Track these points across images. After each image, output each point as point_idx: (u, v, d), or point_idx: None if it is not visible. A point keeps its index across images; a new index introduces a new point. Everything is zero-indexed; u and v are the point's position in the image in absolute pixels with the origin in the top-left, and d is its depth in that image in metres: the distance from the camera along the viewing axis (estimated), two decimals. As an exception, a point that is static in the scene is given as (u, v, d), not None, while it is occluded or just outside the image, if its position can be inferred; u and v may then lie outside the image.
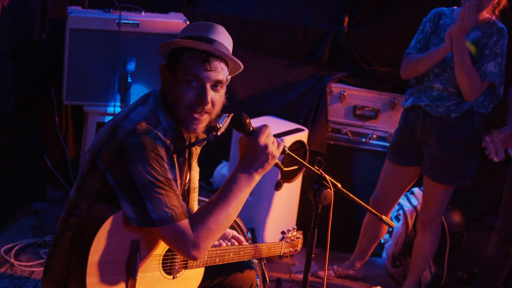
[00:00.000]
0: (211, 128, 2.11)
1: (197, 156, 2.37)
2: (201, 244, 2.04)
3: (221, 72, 2.12)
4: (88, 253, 1.98)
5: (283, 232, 2.61)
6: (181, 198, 2.08)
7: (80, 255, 2.02)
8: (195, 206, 2.35)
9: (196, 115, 2.11)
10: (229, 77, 2.22)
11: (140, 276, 2.09)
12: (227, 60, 2.14)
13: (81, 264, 2.00)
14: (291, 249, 2.63)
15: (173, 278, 2.22)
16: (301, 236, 2.66)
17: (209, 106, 2.11)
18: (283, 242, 2.58)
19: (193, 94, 2.09)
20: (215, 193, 2.14)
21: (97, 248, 2.00)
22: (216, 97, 2.13)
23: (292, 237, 2.62)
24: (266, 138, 2.11)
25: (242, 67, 2.20)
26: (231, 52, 2.18)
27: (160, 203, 2.01)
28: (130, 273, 2.06)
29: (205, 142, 2.18)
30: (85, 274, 1.99)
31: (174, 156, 2.14)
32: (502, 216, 3.71)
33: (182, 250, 2.05)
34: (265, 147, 2.11)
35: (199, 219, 2.06)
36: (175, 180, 2.14)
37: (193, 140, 2.28)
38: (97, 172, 2.09)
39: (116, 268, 2.05)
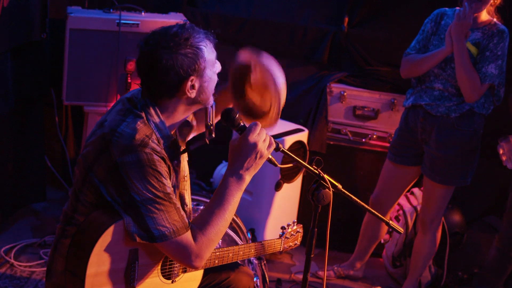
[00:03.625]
0: (205, 129, 2.17)
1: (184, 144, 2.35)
2: (203, 254, 2.07)
3: None
4: (86, 265, 1.98)
5: (282, 228, 2.61)
6: (181, 209, 2.07)
7: (78, 267, 2.01)
8: (186, 195, 2.32)
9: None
10: None
11: (138, 283, 2.10)
12: None
13: (79, 276, 1.99)
14: (290, 243, 2.63)
15: (172, 282, 2.21)
16: (301, 230, 2.66)
17: None
18: (283, 238, 2.58)
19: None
20: (211, 199, 2.14)
21: (95, 261, 1.99)
22: None
23: (292, 232, 2.62)
24: (257, 136, 2.10)
25: None
26: None
27: (160, 219, 2.01)
28: (129, 282, 2.06)
29: (208, 142, 2.20)
30: (83, 286, 1.98)
31: (170, 163, 2.13)
32: (506, 219, 3.69)
33: (185, 262, 2.07)
34: (254, 145, 2.10)
35: (199, 230, 2.07)
36: (174, 186, 2.15)
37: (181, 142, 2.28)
38: (91, 187, 2.07)
39: (114, 277, 2.04)
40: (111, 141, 2.01)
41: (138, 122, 2.05)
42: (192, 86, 2.09)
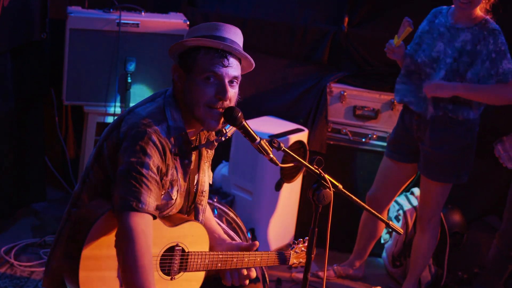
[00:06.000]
0: (217, 132, 2.18)
1: (209, 160, 2.36)
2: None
3: (237, 68, 2.15)
4: (82, 246, 1.98)
5: (293, 242, 2.54)
6: (154, 194, 2.03)
7: (74, 248, 2.01)
8: (201, 210, 2.33)
9: (215, 112, 2.12)
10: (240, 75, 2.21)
11: None
12: (241, 57, 2.17)
13: (74, 257, 1.99)
14: (301, 260, 2.54)
15: (171, 279, 2.21)
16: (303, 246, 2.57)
17: (227, 102, 2.12)
18: (292, 252, 2.51)
19: (212, 91, 2.10)
20: None
21: (91, 242, 1.99)
22: (232, 93, 2.15)
23: (303, 248, 2.54)
24: None
25: (254, 65, 2.21)
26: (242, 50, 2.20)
27: (132, 193, 1.99)
28: None
29: (215, 144, 2.22)
30: (78, 267, 1.98)
31: (177, 158, 2.14)
32: (506, 219, 3.69)
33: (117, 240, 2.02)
34: None
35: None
36: (171, 182, 2.14)
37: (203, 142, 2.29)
38: (101, 163, 2.13)
39: (110, 263, 2.04)
40: (124, 118, 2.11)
41: (154, 108, 2.12)
42: (178, 76, 2.14)
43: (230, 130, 2.17)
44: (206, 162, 2.34)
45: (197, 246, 2.26)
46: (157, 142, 2.05)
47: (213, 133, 2.31)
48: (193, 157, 2.24)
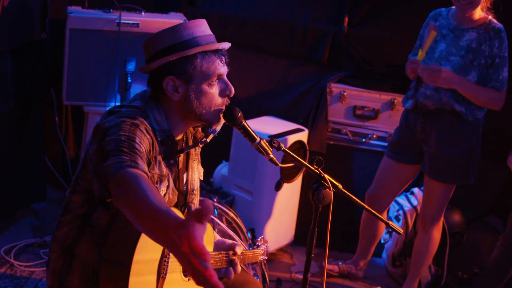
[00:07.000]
0: (203, 130, 2.18)
1: (197, 157, 2.34)
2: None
3: None
4: (134, 251, 1.94)
5: (257, 241, 2.68)
6: (132, 157, 1.89)
7: (123, 253, 1.97)
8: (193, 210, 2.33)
9: (222, 108, 2.12)
10: None
11: (167, 276, 2.09)
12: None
13: (124, 264, 1.95)
14: (263, 257, 2.70)
15: (188, 280, 2.21)
16: (268, 245, 2.75)
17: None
18: (260, 250, 2.64)
19: (218, 91, 2.11)
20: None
21: (141, 247, 1.96)
22: None
23: (264, 246, 2.69)
24: None
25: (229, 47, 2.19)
26: None
27: (126, 156, 1.85)
28: (161, 274, 2.05)
29: (200, 145, 2.20)
30: (129, 273, 1.95)
31: (159, 157, 2.09)
32: (510, 222, 3.68)
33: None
34: None
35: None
36: (161, 176, 2.11)
37: (190, 143, 2.27)
38: (88, 166, 2.04)
39: (150, 268, 2.03)
40: (105, 118, 2.02)
41: (135, 109, 2.06)
42: (175, 87, 2.07)
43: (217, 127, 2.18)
44: (194, 160, 2.32)
45: (207, 246, 2.26)
46: (145, 132, 1.99)
47: (200, 129, 2.28)
48: (181, 156, 2.22)
